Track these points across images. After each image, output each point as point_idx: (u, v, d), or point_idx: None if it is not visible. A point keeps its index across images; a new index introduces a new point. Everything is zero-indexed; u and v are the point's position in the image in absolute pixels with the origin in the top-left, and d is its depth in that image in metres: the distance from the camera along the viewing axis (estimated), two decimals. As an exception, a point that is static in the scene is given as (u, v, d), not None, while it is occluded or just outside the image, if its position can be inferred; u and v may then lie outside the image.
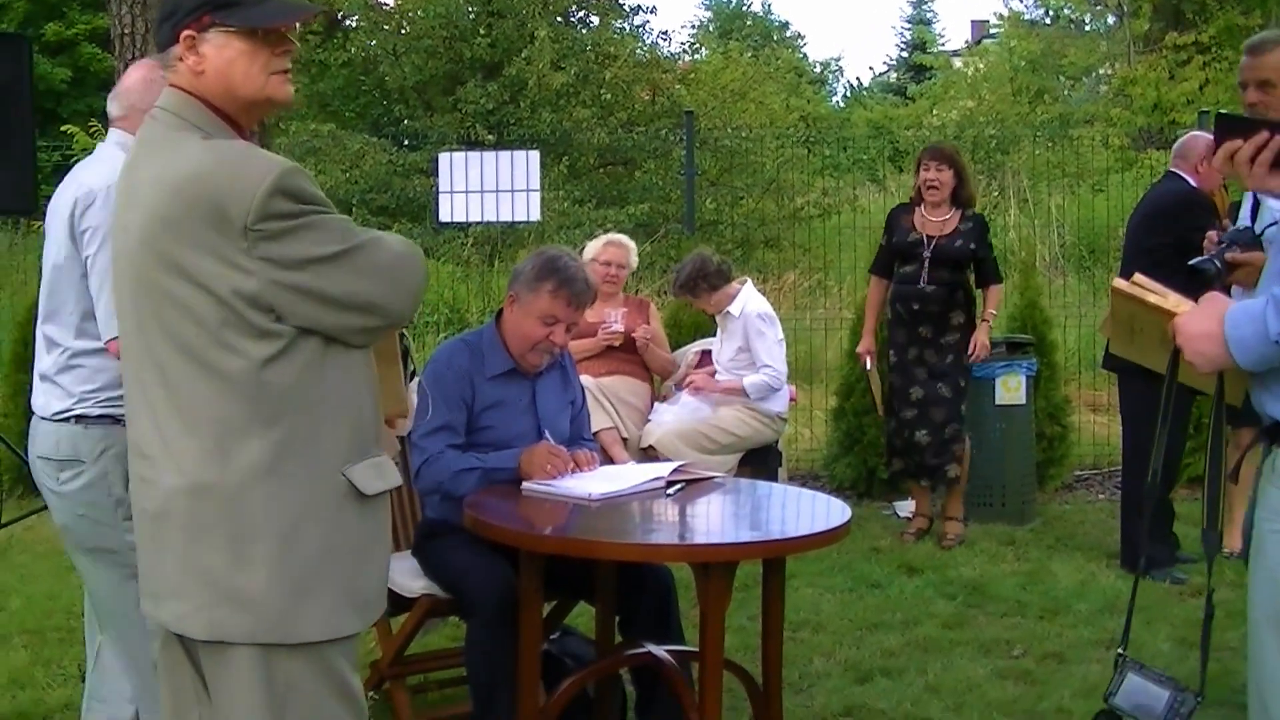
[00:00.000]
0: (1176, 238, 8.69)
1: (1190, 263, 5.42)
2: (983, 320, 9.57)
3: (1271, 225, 5.46)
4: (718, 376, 9.51)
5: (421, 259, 3.65)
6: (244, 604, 3.40)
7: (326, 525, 3.48)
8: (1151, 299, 4.16)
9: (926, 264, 9.40)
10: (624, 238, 10.22)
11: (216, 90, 3.52)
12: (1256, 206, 5.51)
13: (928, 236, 9.43)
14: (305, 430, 3.43)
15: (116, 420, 4.71)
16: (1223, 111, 5.16)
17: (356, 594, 3.57)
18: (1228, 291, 5.46)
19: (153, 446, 3.47)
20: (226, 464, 3.37)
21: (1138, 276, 4.22)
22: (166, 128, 3.49)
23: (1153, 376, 8.71)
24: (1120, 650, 4.76)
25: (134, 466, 3.58)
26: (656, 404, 9.73)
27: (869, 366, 9.91)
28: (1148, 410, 8.69)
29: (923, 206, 9.58)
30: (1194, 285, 5.26)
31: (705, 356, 9.92)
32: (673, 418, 9.39)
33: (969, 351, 9.50)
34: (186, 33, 3.50)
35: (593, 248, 9.84)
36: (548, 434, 5.71)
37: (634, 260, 10.10)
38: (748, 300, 9.44)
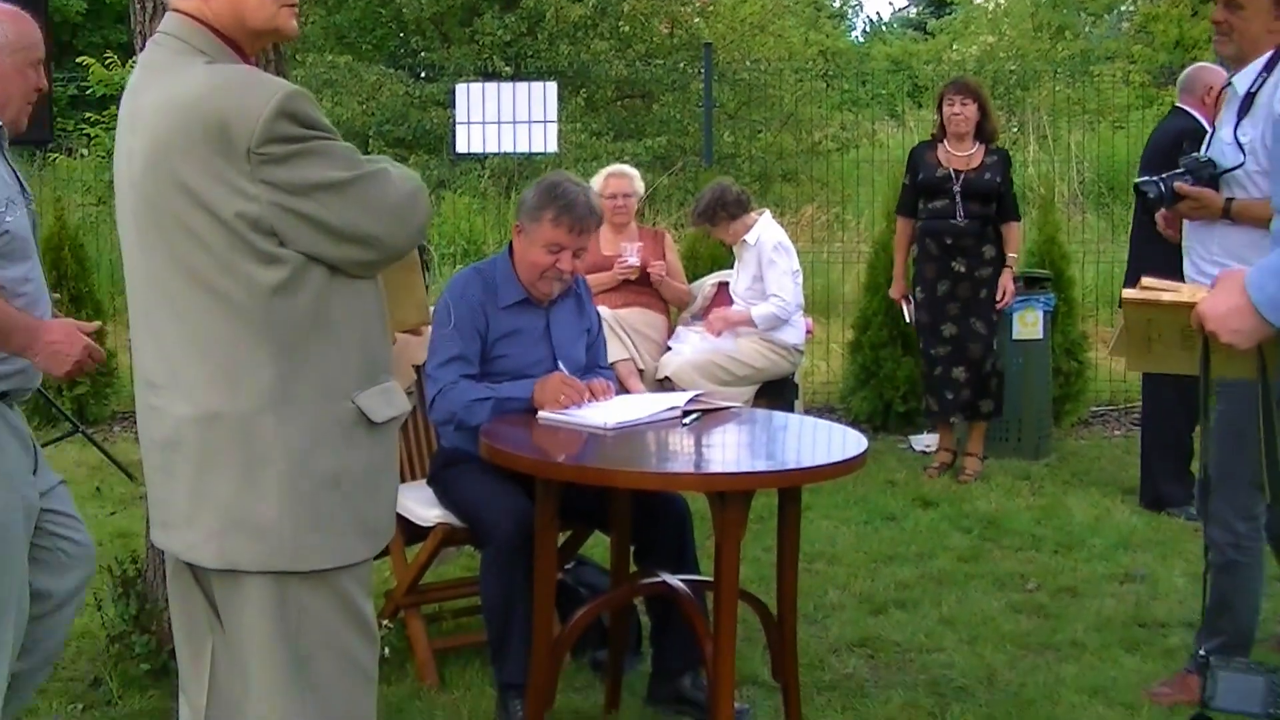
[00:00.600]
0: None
1: (1136, 181, 5.50)
2: (1005, 266, 9.54)
3: (1237, 168, 5.37)
4: (733, 307, 9.50)
5: (425, 194, 3.63)
6: (256, 532, 3.40)
7: (337, 452, 3.47)
8: (1166, 297, 4.02)
9: (959, 198, 9.34)
10: (624, 167, 10.22)
11: (226, 16, 3.49)
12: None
13: (955, 171, 9.37)
14: (315, 356, 3.42)
15: None
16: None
17: (366, 521, 3.56)
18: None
19: (160, 375, 3.47)
20: (237, 391, 3.36)
21: (1145, 280, 4.09)
22: (170, 52, 3.46)
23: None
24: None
25: (142, 396, 3.58)
26: (678, 329, 9.74)
27: (909, 315, 9.85)
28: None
29: (946, 142, 9.53)
30: (1142, 209, 5.30)
31: (723, 288, 9.91)
32: (690, 349, 9.39)
33: (999, 296, 9.46)
34: None
35: (595, 183, 9.84)
36: (562, 364, 5.70)
37: (639, 186, 10.07)
38: (764, 230, 9.43)
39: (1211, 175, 5.42)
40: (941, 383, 9.57)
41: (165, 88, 3.38)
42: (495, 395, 5.54)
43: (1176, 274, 8.65)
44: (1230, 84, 5.53)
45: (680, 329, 9.77)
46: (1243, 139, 5.28)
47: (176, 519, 3.50)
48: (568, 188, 5.72)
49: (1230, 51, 5.51)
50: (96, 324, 4.89)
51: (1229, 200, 5.38)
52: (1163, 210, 5.68)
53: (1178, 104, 8.98)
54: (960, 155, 9.44)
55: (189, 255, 3.33)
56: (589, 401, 5.49)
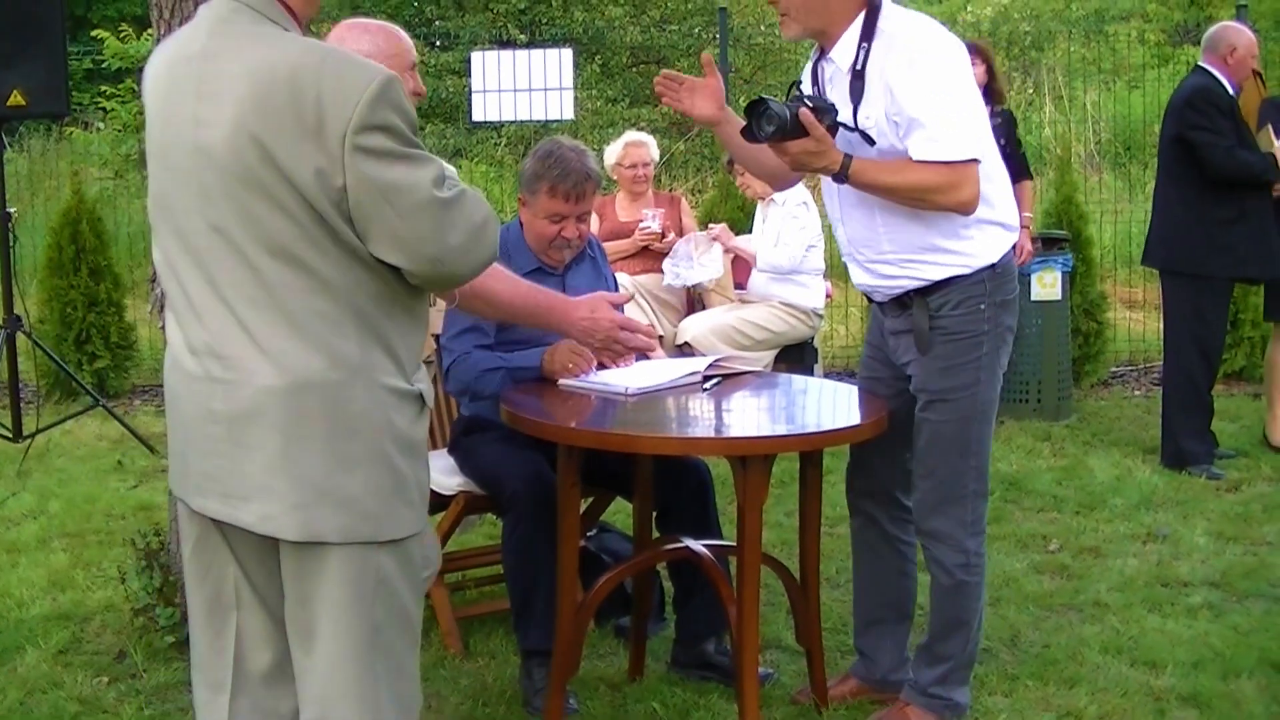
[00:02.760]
0: (1178, 132, 8.69)
1: (759, 98, 4.78)
2: (1022, 227, 9.54)
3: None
4: (759, 266, 9.49)
5: (495, 226, 3.59)
6: (342, 503, 3.39)
7: (409, 426, 3.49)
8: None
9: None
10: (641, 135, 10.24)
11: None
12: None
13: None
14: (391, 335, 3.43)
15: None
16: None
17: (425, 490, 3.61)
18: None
19: (233, 346, 3.38)
20: (328, 362, 3.35)
21: None
22: (248, 20, 3.39)
23: (1195, 275, 8.69)
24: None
25: (200, 366, 3.47)
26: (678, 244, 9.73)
27: None
28: (1191, 308, 8.70)
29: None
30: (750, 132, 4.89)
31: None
32: (707, 316, 9.40)
33: (1018, 256, 9.47)
34: None
35: (612, 154, 9.86)
36: None
37: (655, 153, 10.12)
38: (792, 191, 9.41)
39: (832, 122, 4.80)
40: None
41: (255, 57, 3.30)
42: (506, 365, 5.53)
43: (1202, 238, 8.67)
44: (830, 60, 4.91)
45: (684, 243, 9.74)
46: (866, 124, 4.81)
47: (249, 490, 3.43)
48: (562, 154, 5.68)
49: (796, 31, 4.92)
50: (626, 295, 4.92)
51: (848, 157, 4.75)
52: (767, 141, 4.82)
53: (1200, 63, 8.96)
54: None
55: (275, 227, 3.29)
56: (607, 367, 5.49)
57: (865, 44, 4.78)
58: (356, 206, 3.27)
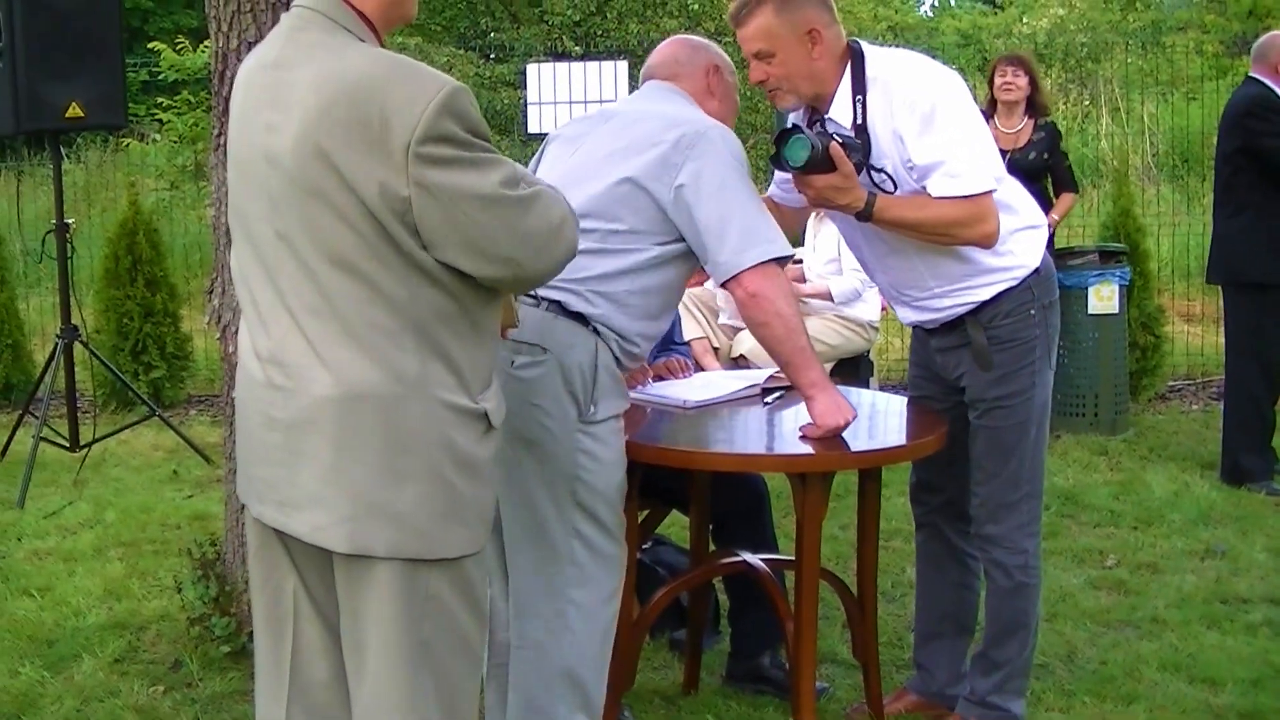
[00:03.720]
0: (1243, 143, 8.62)
1: (790, 125, 4.80)
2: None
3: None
4: (810, 282, 9.46)
5: (573, 224, 3.58)
6: (392, 518, 3.36)
7: (470, 444, 3.45)
8: None
9: None
10: None
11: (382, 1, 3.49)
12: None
13: (1001, 150, 9.31)
14: (454, 351, 3.40)
15: None
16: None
17: (486, 510, 3.56)
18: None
19: (294, 354, 3.39)
20: (384, 374, 3.33)
21: None
22: (322, 30, 3.39)
23: (1258, 286, 8.62)
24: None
25: (263, 373, 3.48)
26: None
27: None
28: (1253, 322, 8.63)
29: (996, 119, 9.56)
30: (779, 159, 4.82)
31: (796, 264, 9.87)
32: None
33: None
34: None
35: None
36: None
37: None
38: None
39: (858, 161, 4.70)
40: None
41: (324, 66, 3.31)
42: None
43: (1266, 248, 8.60)
44: (830, 120, 4.77)
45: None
46: (879, 174, 4.76)
47: (302, 500, 3.43)
48: None
49: (792, 103, 4.88)
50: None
51: (873, 195, 4.72)
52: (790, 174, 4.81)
53: (1251, 73, 8.91)
54: (1009, 133, 9.52)
55: (336, 237, 3.29)
56: (667, 378, 5.48)
57: (860, 97, 4.74)
58: (422, 215, 3.25)
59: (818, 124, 4.79)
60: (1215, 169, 9.17)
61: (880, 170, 4.75)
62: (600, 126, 4.63)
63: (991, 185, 4.69)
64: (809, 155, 4.57)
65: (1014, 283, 4.89)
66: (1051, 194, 9.95)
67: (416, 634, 3.42)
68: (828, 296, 9.36)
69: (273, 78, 3.41)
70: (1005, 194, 4.84)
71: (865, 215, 4.71)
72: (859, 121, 4.73)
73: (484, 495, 3.54)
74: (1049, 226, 9.35)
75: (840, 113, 4.77)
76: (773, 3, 4.71)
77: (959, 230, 4.70)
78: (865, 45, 4.83)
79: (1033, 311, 4.91)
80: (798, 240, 10.10)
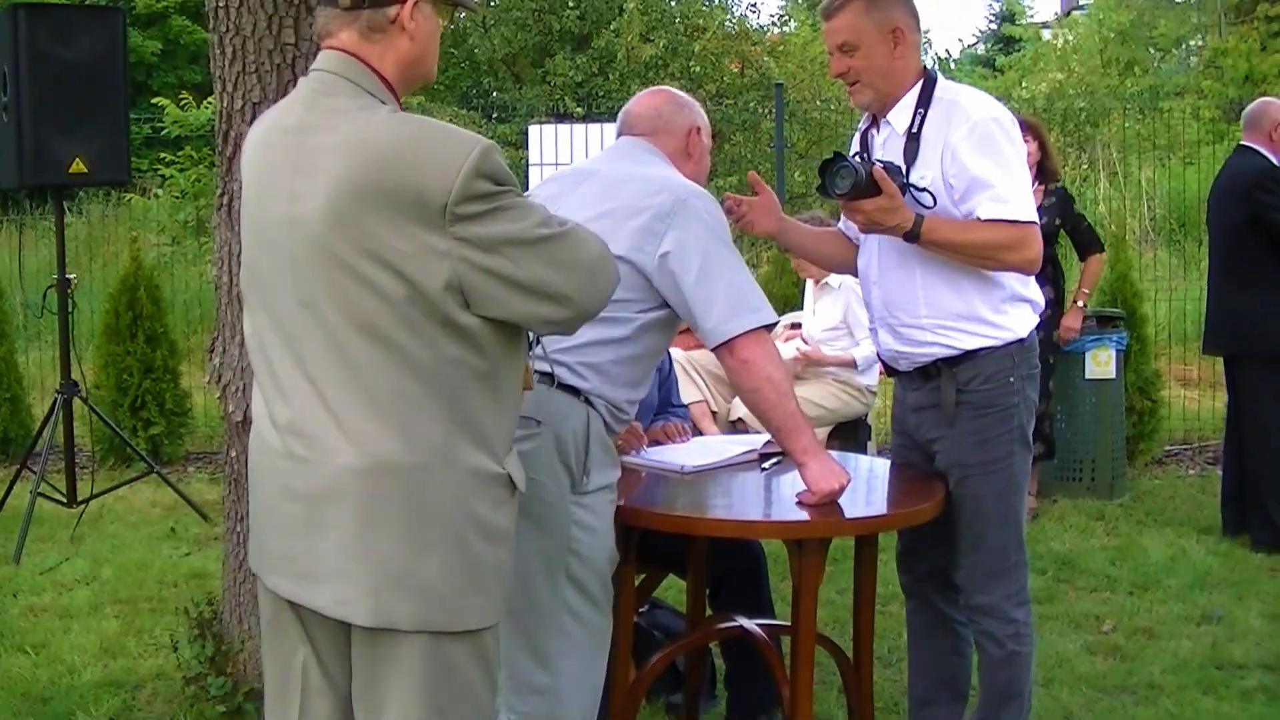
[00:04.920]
0: (1249, 215, 8.62)
1: (835, 154, 4.87)
2: (1074, 302, 9.55)
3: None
4: (806, 349, 9.46)
5: (612, 258, 3.60)
6: (417, 590, 3.34)
7: (493, 512, 3.44)
8: None
9: None
10: None
11: (407, 60, 3.49)
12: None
13: (1012, 214, 9.34)
14: (480, 416, 3.38)
15: None
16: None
17: (506, 580, 3.54)
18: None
19: (315, 425, 3.36)
20: (410, 444, 3.30)
21: None
22: (345, 95, 3.40)
23: (1268, 357, 8.58)
24: None
25: (281, 444, 3.45)
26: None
27: None
28: (1268, 389, 8.61)
29: (1005, 183, 9.55)
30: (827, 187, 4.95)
31: (795, 329, 9.89)
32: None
33: (1060, 333, 9.47)
34: None
35: None
36: None
37: None
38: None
39: (900, 184, 4.83)
40: None
41: (352, 132, 3.32)
42: None
43: (1260, 319, 8.59)
44: (886, 123, 5.02)
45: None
46: (921, 184, 4.86)
47: (323, 572, 3.40)
48: None
49: (868, 98, 5.02)
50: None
51: (920, 216, 4.80)
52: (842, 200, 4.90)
53: (1244, 142, 8.91)
54: None
55: (364, 306, 3.27)
56: (666, 443, 5.49)
57: (922, 110, 4.88)
58: (467, 273, 3.25)
59: (857, 155, 4.98)
60: (1214, 238, 9.17)
61: (921, 188, 4.83)
62: (577, 188, 4.63)
63: (1035, 217, 4.76)
64: (853, 180, 4.72)
65: (997, 344, 4.91)
66: (1066, 259, 9.90)
67: (434, 703, 3.41)
68: (851, 364, 9.37)
69: (295, 143, 3.40)
70: None
71: (913, 236, 4.79)
72: (914, 130, 4.88)
73: (504, 562, 3.52)
74: (1076, 306, 9.40)
75: (900, 118, 4.93)
76: (868, 1, 4.89)
77: (1004, 254, 4.77)
78: (942, 77, 5.00)
79: (1012, 379, 4.93)
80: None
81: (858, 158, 4.93)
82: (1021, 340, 4.95)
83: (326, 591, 3.40)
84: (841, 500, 4.61)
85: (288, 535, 3.47)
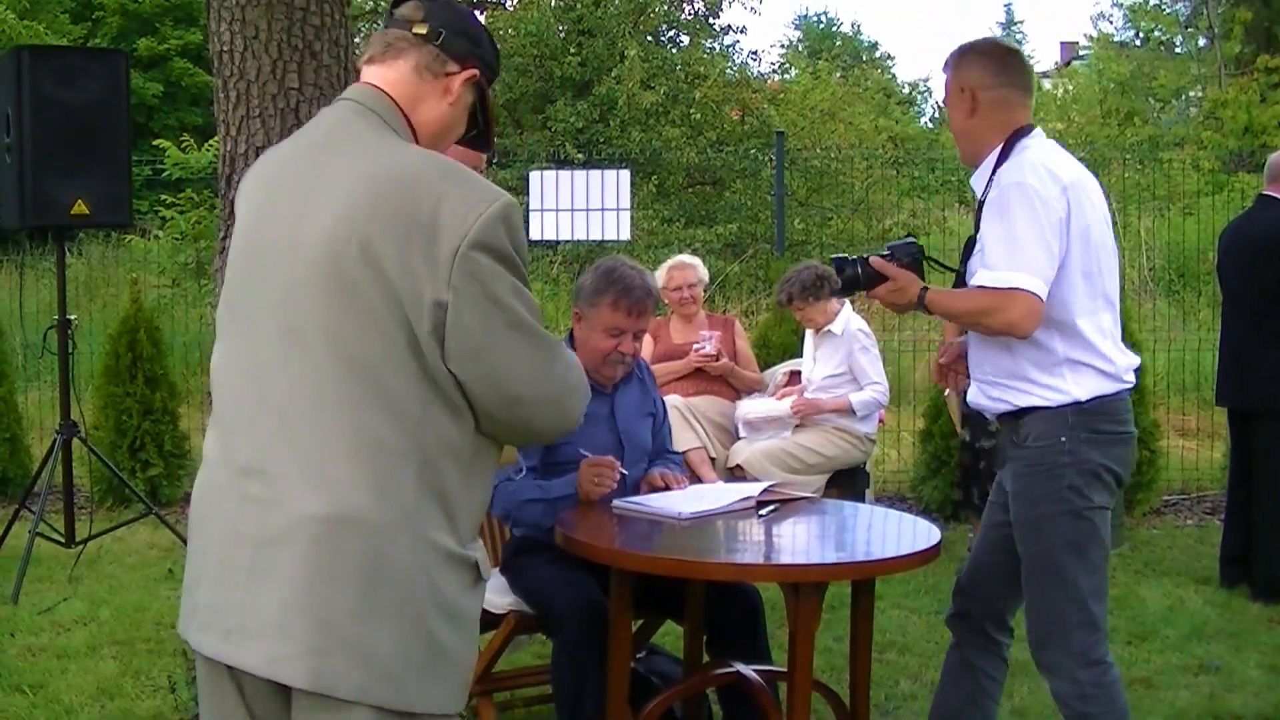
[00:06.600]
0: None
1: (833, 257, 5.14)
2: None
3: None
4: (809, 395, 9.46)
5: (584, 402, 3.42)
6: (362, 657, 3.06)
7: (458, 594, 3.21)
8: None
9: None
10: (685, 256, 10.29)
11: (438, 119, 3.42)
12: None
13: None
14: (452, 490, 3.17)
15: None
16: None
17: (467, 671, 3.31)
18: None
19: (277, 464, 3.12)
20: (381, 500, 3.06)
21: None
22: (369, 127, 3.29)
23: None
24: None
25: (235, 483, 3.20)
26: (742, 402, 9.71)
27: (946, 390, 9.83)
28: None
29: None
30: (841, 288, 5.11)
31: (794, 377, 9.89)
32: (764, 440, 9.38)
33: None
34: (472, 70, 3.43)
35: (658, 277, 9.85)
36: (585, 451, 5.65)
37: (704, 274, 10.14)
38: (849, 318, 9.43)
39: (913, 256, 5.04)
40: (985, 477, 9.45)
41: (376, 160, 3.20)
42: (545, 496, 5.53)
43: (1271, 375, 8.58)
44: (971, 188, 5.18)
45: (743, 403, 9.73)
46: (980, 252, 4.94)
47: (257, 627, 3.10)
48: (624, 271, 5.75)
49: (963, 158, 5.18)
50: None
51: (924, 289, 4.98)
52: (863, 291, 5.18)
53: (1266, 191, 8.87)
54: None
55: (359, 336, 3.08)
56: (663, 489, 5.51)
57: (996, 172, 4.92)
58: (453, 321, 3.08)
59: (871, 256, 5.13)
60: (1234, 291, 9.10)
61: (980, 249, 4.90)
62: None
63: (1023, 284, 4.69)
64: (844, 280, 5.07)
65: (1048, 404, 4.86)
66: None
67: None
68: (847, 408, 9.38)
69: (309, 164, 3.30)
70: (1090, 330, 4.88)
71: (922, 307, 4.95)
72: (982, 198, 4.96)
73: (466, 654, 3.28)
74: None
75: (979, 181, 5.02)
76: (953, 61, 5.09)
77: (985, 319, 4.80)
78: (1036, 132, 5.02)
79: (1063, 439, 4.85)
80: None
81: (900, 241, 5.14)
82: (1079, 402, 4.87)
83: (258, 649, 3.11)
84: (836, 546, 4.62)
85: (223, 586, 3.18)
